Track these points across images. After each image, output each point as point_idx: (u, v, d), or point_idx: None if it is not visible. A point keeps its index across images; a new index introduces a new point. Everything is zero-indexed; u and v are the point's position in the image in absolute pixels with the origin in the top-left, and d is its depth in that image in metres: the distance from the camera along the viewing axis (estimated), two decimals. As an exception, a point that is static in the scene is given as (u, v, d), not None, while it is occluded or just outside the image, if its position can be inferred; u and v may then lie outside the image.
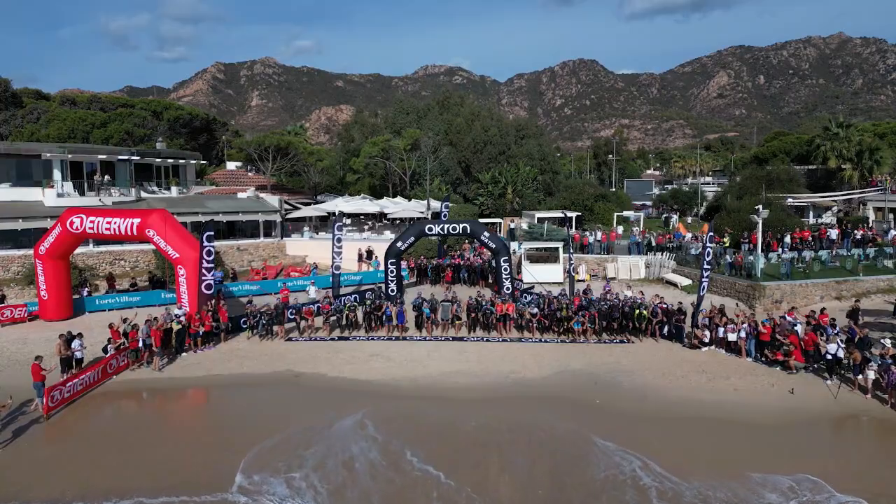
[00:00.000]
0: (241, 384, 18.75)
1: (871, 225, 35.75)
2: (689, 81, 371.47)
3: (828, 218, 41.05)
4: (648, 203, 62.74)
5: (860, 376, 17.19)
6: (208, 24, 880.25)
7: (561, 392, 17.79)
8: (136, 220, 23.09)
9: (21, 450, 14.84)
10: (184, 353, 20.71)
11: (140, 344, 19.68)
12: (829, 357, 17.37)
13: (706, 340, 20.87)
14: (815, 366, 18.41)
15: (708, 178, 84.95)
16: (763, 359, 19.31)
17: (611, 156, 78.20)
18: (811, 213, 42.36)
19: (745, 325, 19.71)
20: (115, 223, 23.36)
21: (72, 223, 23.97)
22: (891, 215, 39.29)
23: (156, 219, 23.03)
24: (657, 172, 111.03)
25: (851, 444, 15.00)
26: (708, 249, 21.99)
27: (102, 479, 13.17)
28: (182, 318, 20.97)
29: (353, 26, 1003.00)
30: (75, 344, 18.52)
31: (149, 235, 22.94)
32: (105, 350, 19.19)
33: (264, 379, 19.03)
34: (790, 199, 41.32)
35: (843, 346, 17.48)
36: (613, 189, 65.57)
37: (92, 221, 23.69)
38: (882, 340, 17.79)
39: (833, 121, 47.81)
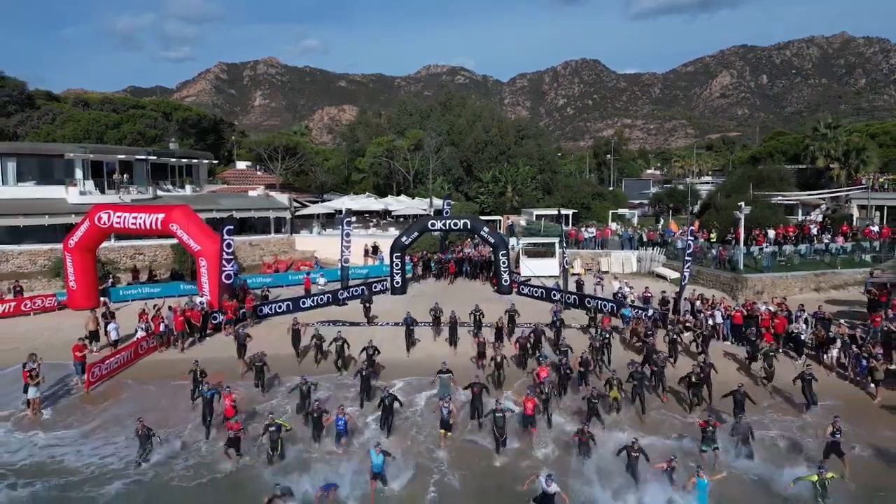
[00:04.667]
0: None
1: (855, 222, 37.40)
2: (691, 81, 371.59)
3: (815, 215, 42.62)
4: (645, 201, 64.34)
5: (826, 356, 18.93)
6: (211, 24, 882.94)
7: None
8: (161, 216, 24.88)
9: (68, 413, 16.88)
10: (207, 338, 22.50)
11: (162, 328, 21.54)
12: (794, 334, 19.14)
13: (688, 325, 22.54)
14: (784, 348, 20.12)
15: (708, 178, 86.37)
16: (737, 342, 21.08)
17: (609, 156, 79.90)
18: (800, 211, 43.99)
19: (720, 311, 21.43)
20: (141, 218, 25.14)
21: (99, 218, 25.74)
22: (877, 213, 40.88)
23: (179, 214, 24.83)
24: (658, 172, 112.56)
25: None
26: (689, 242, 23.70)
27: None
28: (205, 306, 22.78)
29: (355, 26, 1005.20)
30: (111, 326, 20.35)
31: (172, 230, 24.72)
32: (142, 331, 21.05)
33: (280, 360, 20.79)
34: (779, 197, 42.99)
35: (806, 328, 19.23)
36: (611, 188, 67.25)
37: (119, 217, 25.48)
38: (840, 321, 19.61)
39: (822, 121, 49.52)
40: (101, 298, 26.11)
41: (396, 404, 15.86)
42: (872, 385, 17.23)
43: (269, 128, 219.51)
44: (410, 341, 21.85)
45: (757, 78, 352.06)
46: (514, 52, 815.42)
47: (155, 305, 22.19)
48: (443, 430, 14.98)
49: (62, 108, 61.23)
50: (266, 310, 25.17)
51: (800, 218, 42.39)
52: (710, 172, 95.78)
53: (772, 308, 21.24)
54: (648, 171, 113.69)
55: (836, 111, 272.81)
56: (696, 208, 51.63)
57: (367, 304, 24.97)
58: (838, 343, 18.46)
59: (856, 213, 38.79)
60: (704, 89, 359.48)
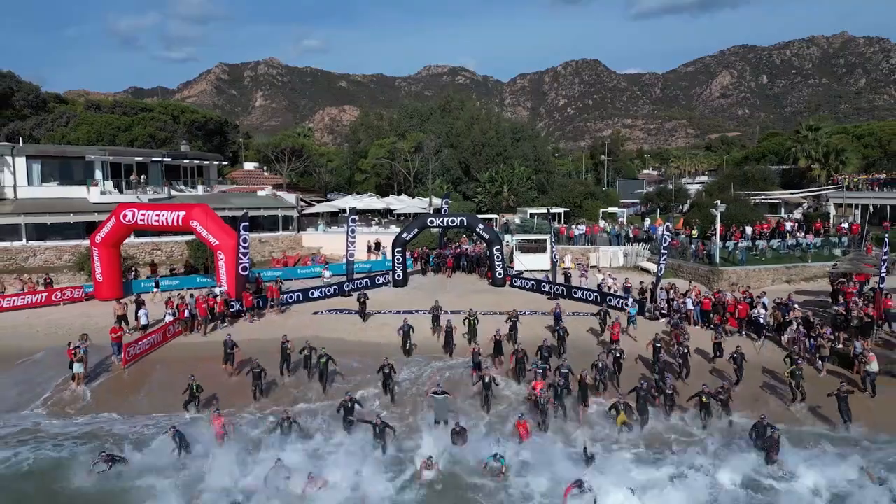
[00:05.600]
0: (273, 346, 22.66)
1: (832, 219, 39.62)
2: (691, 81, 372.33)
3: (798, 214, 44.86)
4: (637, 200, 66.42)
5: (783, 337, 21.17)
6: (212, 25, 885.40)
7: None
8: (182, 213, 27.11)
9: (110, 388, 19.15)
10: (224, 324, 24.72)
11: (187, 314, 23.80)
12: (755, 318, 21.39)
13: (664, 312, 24.79)
14: (746, 331, 22.36)
15: (704, 177, 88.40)
16: (709, 326, 23.28)
17: (603, 157, 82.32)
18: (782, 209, 46.25)
19: (690, 298, 23.66)
20: (163, 216, 27.38)
21: (124, 216, 27.94)
22: (857, 210, 43.00)
23: (198, 212, 27.06)
24: (655, 172, 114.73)
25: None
26: (665, 237, 25.93)
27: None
28: (224, 295, 25.03)
29: (356, 26, 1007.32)
30: (141, 312, 22.66)
31: (192, 226, 26.93)
32: (170, 316, 23.37)
33: (295, 342, 22.94)
34: (762, 196, 45.24)
35: (766, 312, 21.46)
36: (605, 188, 69.53)
37: (143, 214, 27.72)
38: (794, 305, 21.87)
39: (804, 124, 51.87)
40: (154, 289, 28.65)
41: (389, 430, 15.62)
42: (820, 361, 19.42)
43: (270, 128, 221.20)
44: (407, 347, 22.09)
45: (757, 78, 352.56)
46: (514, 52, 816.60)
47: (179, 295, 24.47)
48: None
49: (74, 111, 63.63)
50: (272, 301, 27.35)
51: (782, 215, 44.65)
52: (705, 172, 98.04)
53: (737, 296, 23.48)
54: (645, 171, 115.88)
55: (836, 111, 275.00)
56: (686, 207, 53.87)
57: (364, 301, 25.62)
58: (794, 325, 20.68)
59: (832, 210, 40.94)
60: (705, 89, 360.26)
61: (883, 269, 21.14)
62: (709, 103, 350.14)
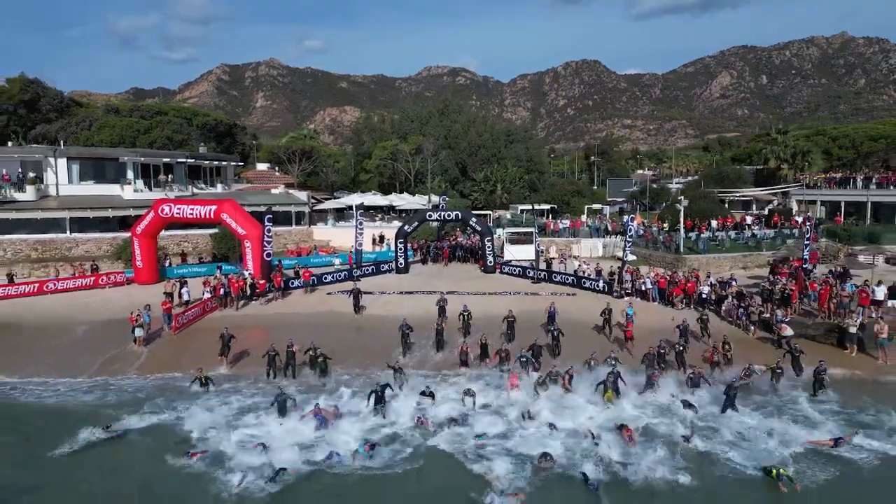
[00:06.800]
0: (295, 319, 26.88)
1: (794, 215, 43.72)
2: (691, 81, 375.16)
3: (766, 210, 48.99)
4: (624, 199, 70.60)
5: (722, 308, 25.34)
6: (213, 25, 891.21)
7: (524, 323, 25.41)
8: (213, 207, 31.31)
9: (162, 349, 23.37)
10: (254, 301, 28.92)
11: (222, 292, 28.00)
12: (700, 294, 25.59)
13: (628, 291, 28.95)
14: (693, 306, 26.49)
15: (695, 177, 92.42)
16: (662, 302, 27.44)
17: (593, 157, 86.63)
18: (754, 206, 50.45)
19: (649, 278, 27.82)
20: (197, 209, 31.57)
21: (162, 210, 32.13)
22: (822, 207, 47.08)
23: (228, 206, 31.29)
24: (650, 172, 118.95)
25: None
26: (630, 227, 30.12)
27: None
28: (252, 279, 29.29)
29: (356, 27, 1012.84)
30: (184, 290, 26.97)
31: (223, 218, 31.14)
32: (208, 293, 27.68)
33: (313, 315, 27.19)
34: (737, 194, 49.38)
35: (710, 290, 25.65)
36: (595, 187, 73.78)
37: (178, 209, 31.92)
38: (733, 282, 26.06)
39: (773, 127, 56.10)
40: (216, 273, 31.88)
41: (388, 391, 17.61)
42: (752, 327, 23.53)
43: (272, 129, 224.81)
44: (406, 346, 22.35)
45: (757, 78, 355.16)
46: (514, 52, 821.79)
47: (216, 276, 28.73)
48: None
49: (95, 115, 67.86)
50: (297, 283, 31.58)
51: (753, 211, 48.82)
52: (697, 173, 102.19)
53: (687, 275, 27.69)
54: (639, 172, 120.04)
55: (835, 111, 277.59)
56: (669, 203, 58.01)
57: (358, 298, 27.73)
58: (729, 298, 24.82)
59: (795, 206, 45.06)
60: (704, 90, 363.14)
61: (806, 253, 25.26)
62: (708, 104, 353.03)
